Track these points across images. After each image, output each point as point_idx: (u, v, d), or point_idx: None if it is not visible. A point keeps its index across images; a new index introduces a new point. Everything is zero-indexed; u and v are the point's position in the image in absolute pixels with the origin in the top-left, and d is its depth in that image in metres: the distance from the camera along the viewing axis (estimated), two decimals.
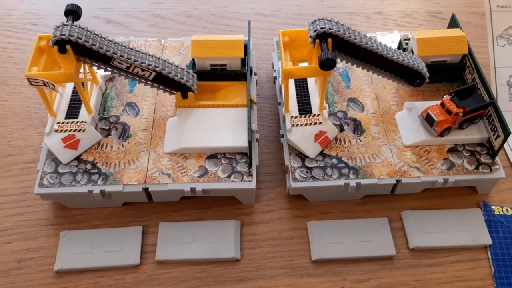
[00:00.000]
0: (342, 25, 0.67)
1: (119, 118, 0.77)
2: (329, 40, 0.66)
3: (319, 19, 0.67)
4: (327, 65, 0.63)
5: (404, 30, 0.96)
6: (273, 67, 0.88)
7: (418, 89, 0.80)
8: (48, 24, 1.00)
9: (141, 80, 0.72)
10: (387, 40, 0.87)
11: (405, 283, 0.67)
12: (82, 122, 0.73)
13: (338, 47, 0.68)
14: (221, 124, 0.74)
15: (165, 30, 1.00)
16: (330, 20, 0.67)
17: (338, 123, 0.77)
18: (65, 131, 0.72)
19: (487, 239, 0.70)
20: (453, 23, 0.83)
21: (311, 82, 0.80)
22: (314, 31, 0.66)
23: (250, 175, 0.70)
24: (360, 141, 0.74)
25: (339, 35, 0.66)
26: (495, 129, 0.71)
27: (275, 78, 0.85)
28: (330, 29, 0.65)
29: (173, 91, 0.74)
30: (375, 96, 0.80)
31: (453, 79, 0.82)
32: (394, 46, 0.85)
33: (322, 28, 0.65)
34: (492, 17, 0.86)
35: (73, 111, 0.76)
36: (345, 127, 0.76)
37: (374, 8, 1.04)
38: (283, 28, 0.76)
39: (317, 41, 0.66)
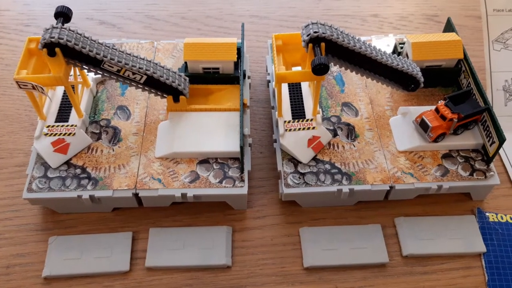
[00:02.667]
0: (336, 29, 0.66)
1: (110, 121, 0.76)
2: (323, 44, 0.65)
3: (313, 23, 0.66)
4: (320, 70, 0.62)
5: (400, 33, 0.95)
6: (267, 70, 0.87)
7: (412, 93, 0.80)
8: (40, 26, 0.99)
9: (132, 83, 0.71)
10: (383, 43, 0.86)
11: None
12: (72, 125, 0.72)
13: (331, 51, 0.67)
14: (213, 129, 0.73)
15: (159, 31, 0.99)
16: (324, 24, 0.66)
17: (331, 128, 0.76)
18: (54, 134, 0.71)
19: (481, 247, 0.69)
20: (449, 27, 0.82)
21: (305, 86, 0.79)
22: (308, 35, 0.65)
23: (242, 180, 0.69)
24: (354, 146, 0.74)
25: (333, 39, 0.65)
26: (490, 135, 0.70)
27: (268, 81, 0.84)
28: (323, 33, 0.64)
29: (164, 95, 0.73)
30: (370, 101, 0.79)
31: (448, 84, 0.81)
32: (389, 50, 0.84)
33: (315, 32, 0.64)
34: (488, 21, 0.85)
35: (63, 114, 0.75)
36: (339, 132, 0.75)
37: (370, 11, 1.03)
38: (278, 31, 0.76)
39: (310, 45, 0.65)
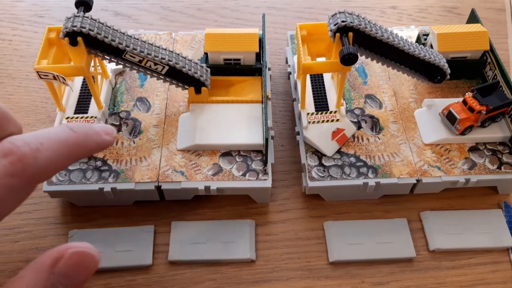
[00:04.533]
0: (363, 18, 0.65)
1: (130, 113, 0.75)
2: (350, 34, 0.63)
3: (340, 12, 0.64)
4: (349, 59, 0.61)
5: (420, 25, 0.94)
6: (286, 62, 0.86)
7: (437, 86, 0.78)
8: (54, 16, 0.98)
9: (153, 74, 0.69)
10: (404, 35, 0.84)
11: (425, 286, 0.65)
12: (92, 117, 0.71)
13: (358, 41, 0.66)
14: (235, 121, 0.72)
15: (175, 23, 0.97)
16: (351, 14, 0.64)
17: (355, 120, 0.74)
18: None
19: (509, 241, 0.68)
20: (473, 18, 0.81)
21: (327, 78, 0.78)
22: (335, 25, 0.63)
23: (266, 173, 0.68)
24: (379, 139, 0.72)
25: (361, 29, 0.63)
26: None
27: (289, 73, 0.82)
28: (351, 22, 0.63)
29: (186, 86, 0.72)
30: (393, 93, 0.78)
31: (473, 76, 0.79)
32: (412, 41, 0.82)
33: (343, 21, 0.63)
34: None
35: (82, 106, 0.73)
36: (363, 124, 0.74)
37: (389, 3, 1.02)
38: (296, 22, 0.74)
39: (337, 35, 0.64)
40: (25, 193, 0.40)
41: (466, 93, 0.71)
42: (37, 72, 0.64)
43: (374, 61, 0.70)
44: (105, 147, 0.46)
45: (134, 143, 0.71)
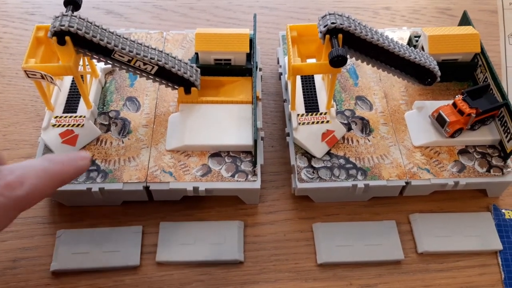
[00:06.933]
0: (353, 20, 0.65)
1: (119, 113, 0.74)
2: (340, 35, 0.63)
3: (330, 14, 0.64)
4: (337, 61, 0.61)
5: (412, 27, 0.93)
6: (278, 62, 0.85)
7: (427, 88, 0.78)
8: (45, 14, 0.97)
9: (143, 74, 0.69)
10: (396, 36, 0.84)
11: None
12: (80, 116, 0.70)
13: (348, 43, 0.66)
14: (225, 121, 0.71)
15: (167, 22, 0.97)
16: (341, 15, 0.64)
17: (345, 122, 0.74)
18: (63, 126, 0.70)
19: (497, 244, 0.68)
20: (465, 20, 0.80)
21: (318, 79, 0.77)
22: (325, 26, 0.63)
23: (255, 174, 0.68)
24: (369, 141, 0.72)
25: (350, 30, 0.63)
26: (508, 131, 0.69)
27: (280, 74, 0.82)
28: (341, 24, 0.62)
29: (175, 86, 0.72)
30: (384, 95, 0.78)
31: (464, 78, 0.79)
32: (403, 43, 0.82)
33: (333, 23, 0.62)
34: (505, 15, 0.83)
35: (71, 105, 0.73)
36: (353, 126, 0.74)
37: (382, 3, 1.02)
38: (288, 22, 0.74)
39: (327, 36, 0.64)
40: (14, 213, 0.48)
41: (456, 96, 0.71)
42: (25, 71, 0.63)
43: (365, 63, 0.70)
44: (83, 171, 0.55)
45: (122, 143, 0.71)
